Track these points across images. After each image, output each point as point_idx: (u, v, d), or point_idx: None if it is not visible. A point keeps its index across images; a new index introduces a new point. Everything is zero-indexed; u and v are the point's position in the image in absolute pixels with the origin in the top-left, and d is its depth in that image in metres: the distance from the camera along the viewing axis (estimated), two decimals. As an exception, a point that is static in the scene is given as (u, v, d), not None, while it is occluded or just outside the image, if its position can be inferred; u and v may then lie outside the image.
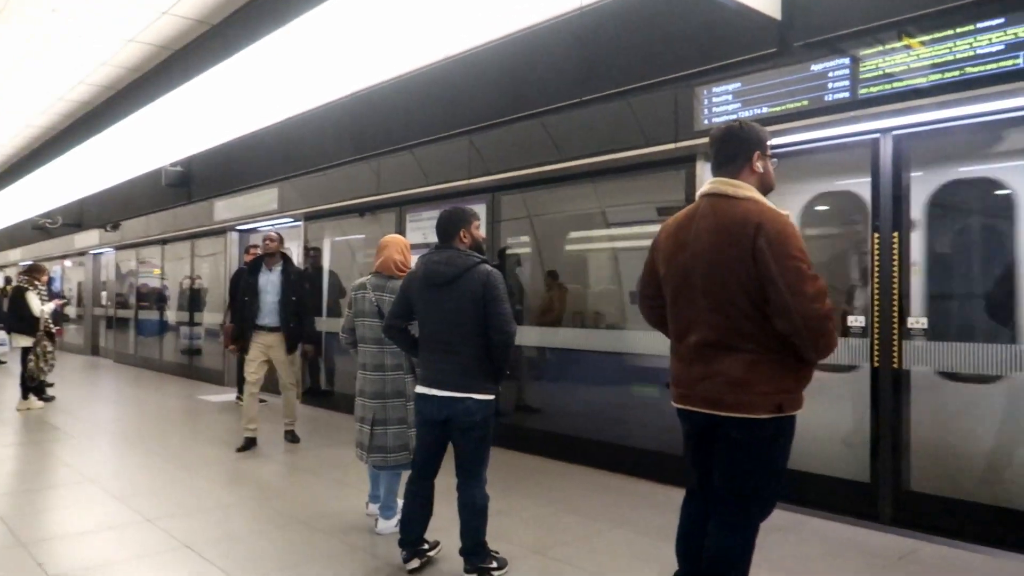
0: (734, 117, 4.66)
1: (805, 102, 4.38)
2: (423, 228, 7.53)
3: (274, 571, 3.76)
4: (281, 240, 6.75)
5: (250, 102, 9.96)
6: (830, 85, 4.28)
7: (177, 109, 11.14)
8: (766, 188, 2.62)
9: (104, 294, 16.58)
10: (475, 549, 3.54)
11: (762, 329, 2.45)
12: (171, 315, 13.19)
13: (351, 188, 8.31)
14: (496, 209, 6.78)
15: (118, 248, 15.35)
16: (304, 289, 6.79)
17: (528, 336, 6.37)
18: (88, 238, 16.35)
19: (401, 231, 7.78)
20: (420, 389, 3.59)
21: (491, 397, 3.52)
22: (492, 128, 6.52)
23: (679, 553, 2.84)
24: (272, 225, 10.16)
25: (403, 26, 7.42)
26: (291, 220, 9.71)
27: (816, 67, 4.33)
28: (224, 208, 10.79)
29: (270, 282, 6.52)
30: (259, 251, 8.47)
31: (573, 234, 6.60)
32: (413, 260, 4.19)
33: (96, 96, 13.80)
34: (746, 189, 2.56)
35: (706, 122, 4.83)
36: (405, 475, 3.83)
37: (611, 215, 6.04)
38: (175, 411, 9.03)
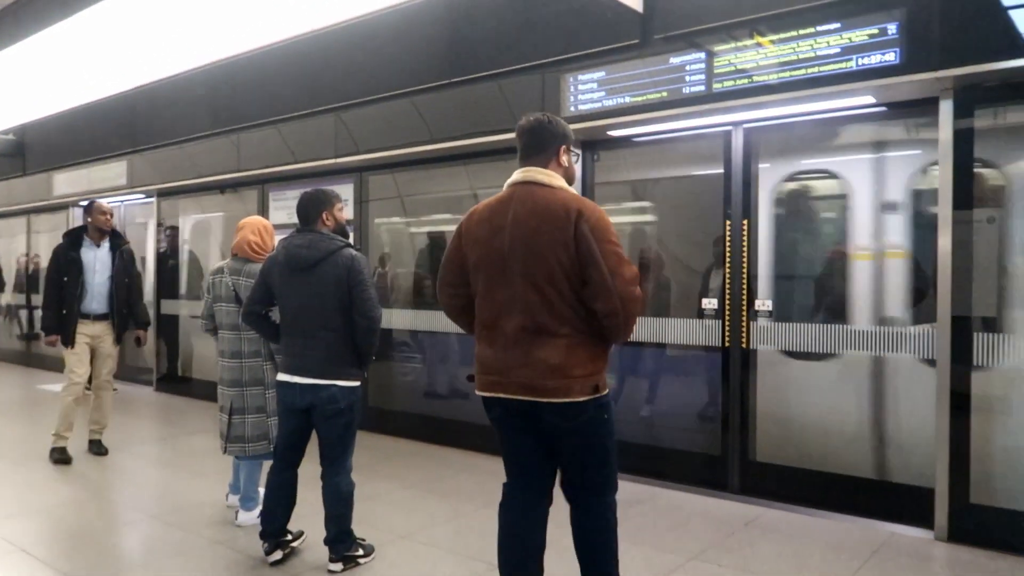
0: (598, 105, 4.82)
1: (664, 93, 4.55)
2: (288, 207, 7.26)
3: (124, 570, 3.56)
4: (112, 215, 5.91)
5: (96, 66, 9.22)
6: (687, 78, 4.46)
7: (7, 71, 10.16)
8: (569, 180, 2.74)
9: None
10: (341, 537, 3.48)
11: (577, 313, 2.55)
12: (5, 297, 12.09)
13: (210, 164, 7.89)
14: (363, 189, 6.65)
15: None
16: (136, 269, 6.02)
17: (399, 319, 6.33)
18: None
19: (264, 210, 7.48)
20: (282, 377, 3.48)
21: (356, 383, 3.46)
22: (360, 106, 6.36)
23: (515, 558, 2.77)
24: (122, 201, 9.50)
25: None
26: (143, 196, 9.11)
27: (675, 60, 4.51)
28: (65, 182, 9.96)
29: (98, 260, 5.60)
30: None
31: (439, 216, 6.58)
32: (277, 241, 4.06)
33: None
34: (558, 179, 2.67)
35: (572, 108, 4.92)
36: (267, 465, 3.72)
37: (476, 198, 6.07)
38: (11, 402, 8.31)
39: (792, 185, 4.67)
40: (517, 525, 2.80)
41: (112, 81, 8.92)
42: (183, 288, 8.77)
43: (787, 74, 4.14)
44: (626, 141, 5.09)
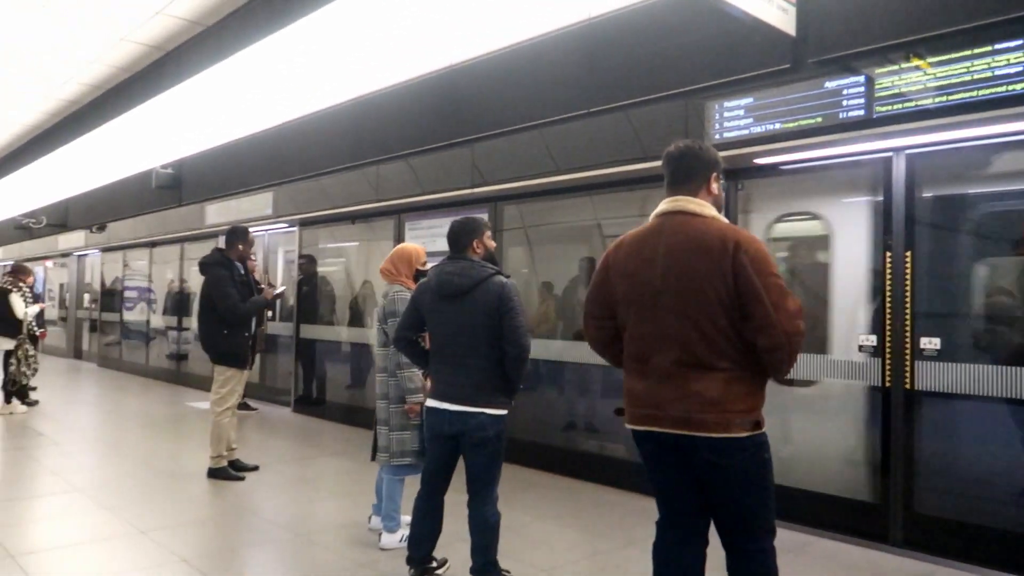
0: (745, 132, 4.67)
1: (819, 119, 4.35)
2: (421, 237, 7.45)
3: (277, 588, 3.66)
4: None
5: (245, 105, 9.86)
6: (845, 103, 4.25)
7: (169, 110, 11.02)
8: (718, 208, 2.65)
9: (88, 296, 16.33)
10: (487, 568, 3.45)
11: (735, 347, 2.45)
12: (158, 319, 13.00)
13: (349, 194, 8.21)
14: (498, 219, 6.72)
15: (104, 250, 15.13)
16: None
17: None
18: (73, 239, 16.11)
19: (400, 239, 7.69)
20: (431, 402, 3.51)
21: (504, 412, 3.45)
22: (494, 138, 6.45)
23: None
24: (266, 230, 10.03)
25: (404, 32, 7.38)
26: (286, 225, 9.59)
27: (830, 84, 4.31)
28: (216, 212, 10.64)
29: (249, 283, 5.90)
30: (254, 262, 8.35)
31: (581, 246, 6.55)
32: (417, 265, 4.19)
33: (85, 95, 13.64)
34: (710, 208, 2.59)
35: (716, 136, 4.79)
36: (409, 487, 3.75)
37: (615, 226, 6.00)
38: (163, 418, 8.87)
39: (962, 214, 4.34)
40: (672, 566, 2.69)
41: (260, 117, 9.51)
42: (321, 313, 9.12)
43: (958, 96, 3.86)
44: (773, 169, 4.91)
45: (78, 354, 16.69)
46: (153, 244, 13.05)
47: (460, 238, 3.56)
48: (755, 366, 2.49)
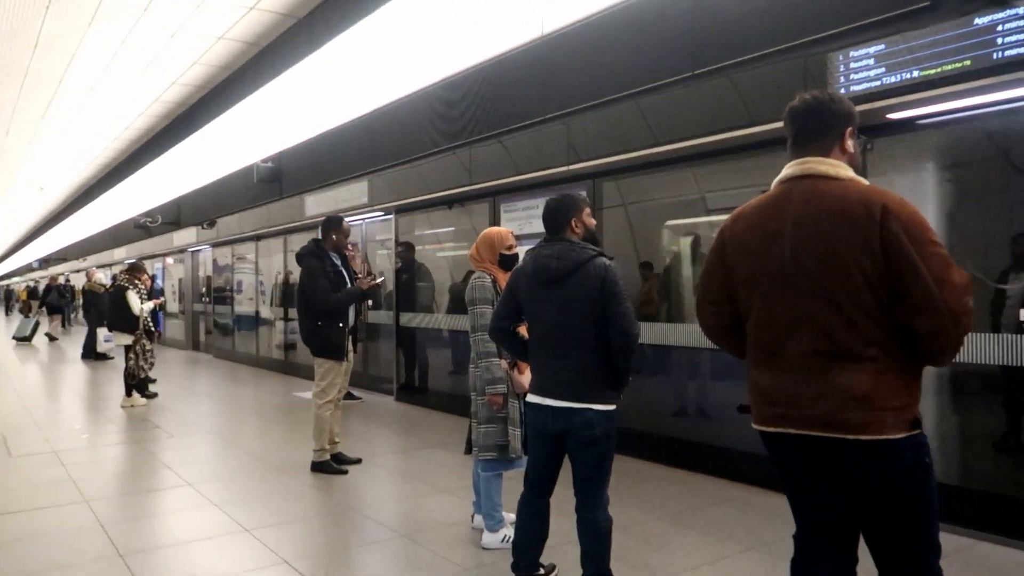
0: (877, 84, 4.13)
1: (968, 62, 3.76)
2: (518, 219, 7.18)
3: (378, 594, 3.49)
4: None
5: (338, 94, 9.86)
6: (1000, 40, 3.65)
7: (267, 105, 11.19)
8: (855, 169, 2.21)
9: (204, 290, 17.02)
10: (598, 577, 3.15)
11: (885, 331, 2.04)
12: (266, 311, 13.35)
13: (442, 179, 8.04)
14: (597, 197, 6.36)
15: (214, 245, 15.68)
16: None
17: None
18: (186, 236, 16.79)
19: (495, 222, 7.45)
20: (532, 398, 3.23)
21: (613, 407, 3.12)
22: (590, 111, 6.08)
23: None
24: (364, 219, 10.03)
25: (490, 4, 7.09)
26: (382, 214, 9.54)
27: (981, 20, 3.71)
28: (315, 203, 10.73)
29: (346, 273, 5.72)
30: (352, 252, 8.32)
31: (692, 220, 6.11)
32: (502, 249, 3.97)
33: (189, 96, 14.09)
34: (846, 169, 2.17)
35: (842, 91, 4.26)
36: (508, 482, 3.50)
37: (721, 199, 5.53)
38: (272, 409, 9.02)
39: None
40: None
41: (354, 105, 9.48)
42: (420, 301, 9.03)
43: None
44: (908, 124, 4.33)
45: (196, 346, 17.46)
46: (258, 237, 13.36)
47: (557, 217, 3.25)
48: (909, 353, 2.08)
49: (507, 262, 3.99)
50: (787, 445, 2.25)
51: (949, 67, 3.84)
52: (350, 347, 5.73)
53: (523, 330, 3.38)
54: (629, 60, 5.72)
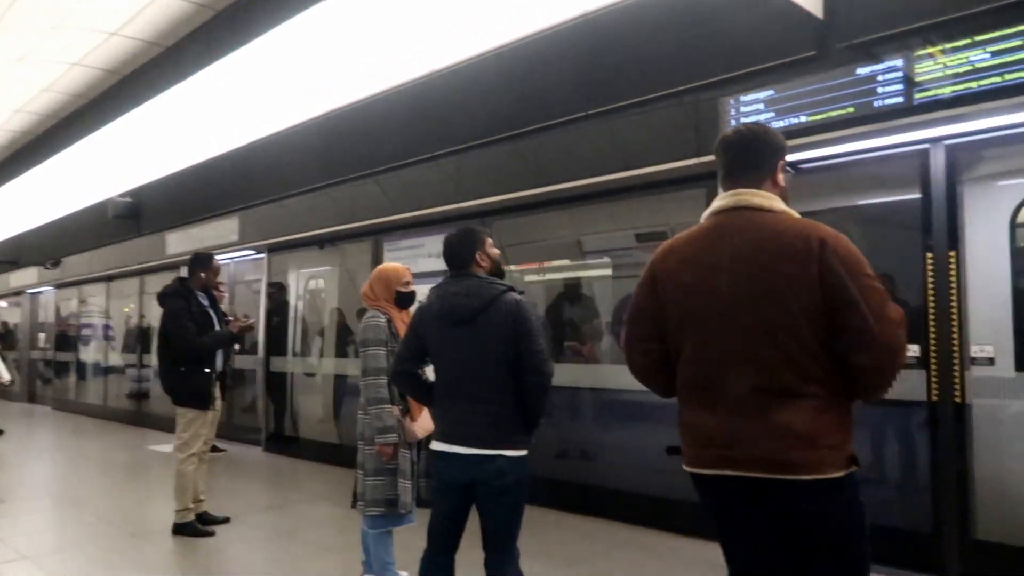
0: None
1: (851, 109, 3.94)
2: (402, 258, 6.92)
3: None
4: None
5: (206, 127, 9.31)
6: (880, 90, 3.86)
7: (126, 136, 10.42)
8: (784, 201, 2.19)
9: (43, 336, 15.46)
10: (509, 639, 2.90)
11: (824, 368, 1.99)
12: (116, 357, 12.24)
13: (321, 216, 7.67)
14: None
15: (59, 287, 14.32)
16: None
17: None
18: (25, 276, 15.27)
19: (378, 262, 7.16)
20: (437, 446, 2.98)
21: (524, 452, 2.92)
22: (483, 147, 5.98)
23: None
24: (231, 258, 9.43)
25: (380, 39, 6.91)
26: (253, 252, 8.99)
27: (863, 71, 3.91)
28: (177, 241, 10.00)
29: (215, 314, 5.29)
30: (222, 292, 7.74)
31: (577, 261, 6.09)
32: (398, 287, 3.70)
33: (36, 124, 12.95)
34: (778, 202, 2.14)
35: (732, 134, 4.37)
36: (400, 535, 3.23)
37: (618, 239, 5.55)
38: (124, 465, 8.14)
39: (1011, 207, 3.95)
40: None
41: (224, 139, 8.97)
42: (293, 344, 8.52)
43: (1013, 75, 3.47)
44: (794, 168, 4.48)
45: (32, 397, 15.76)
46: (111, 278, 12.30)
47: (461, 252, 3.05)
48: (844, 389, 2.03)
49: (404, 300, 3.74)
50: (723, 488, 2.13)
51: (834, 113, 4.01)
52: (217, 394, 5.23)
53: (428, 372, 3.14)
54: (518, 101, 5.68)
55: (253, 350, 9.02)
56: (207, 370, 5.02)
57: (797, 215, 2.15)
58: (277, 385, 8.58)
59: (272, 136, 8.19)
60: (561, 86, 5.36)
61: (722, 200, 2.19)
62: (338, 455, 7.28)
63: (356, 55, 7.09)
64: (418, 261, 6.65)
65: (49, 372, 14.93)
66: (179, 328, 4.92)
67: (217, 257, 8.16)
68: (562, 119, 5.32)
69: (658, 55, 4.81)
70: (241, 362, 9.19)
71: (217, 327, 5.19)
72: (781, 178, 2.21)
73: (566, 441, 5.76)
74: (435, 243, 6.09)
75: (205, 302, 5.20)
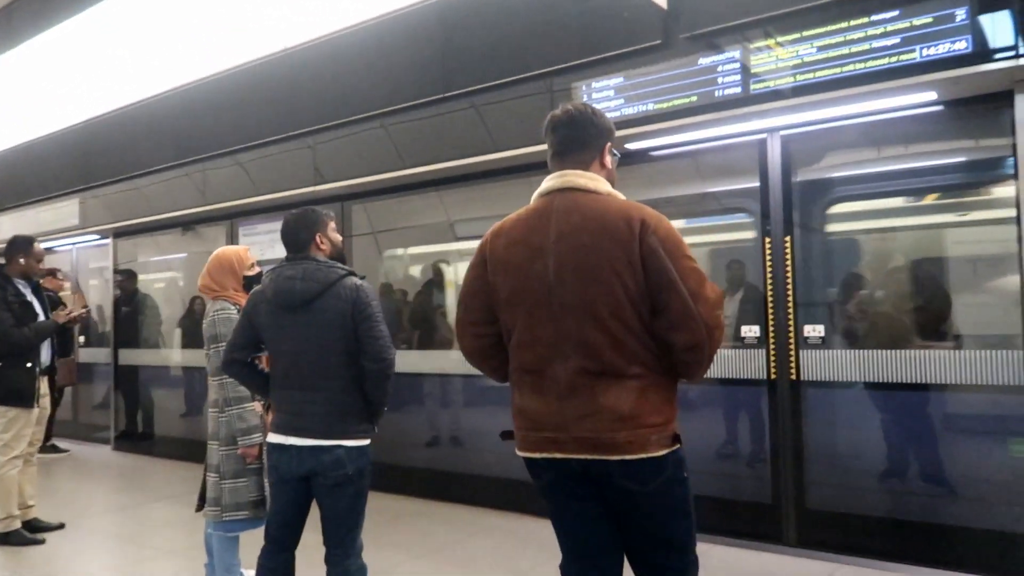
0: (617, 114, 4.33)
1: (694, 98, 4.06)
2: (259, 243, 6.62)
3: None
4: None
5: (40, 100, 8.59)
6: (720, 80, 3.99)
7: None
8: (612, 184, 2.22)
9: None
10: (352, 635, 2.82)
11: (647, 348, 2.04)
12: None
13: (171, 200, 7.20)
14: (346, 221, 6.05)
15: None
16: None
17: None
18: None
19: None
20: (273, 438, 2.84)
21: (366, 442, 2.84)
22: (336, 129, 5.78)
23: None
24: (74, 244, 8.74)
25: (234, 12, 6.59)
26: (97, 237, 8.36)
27: (704, 60, 4.03)
28: (11, 223, 9.14)
29: (37, 303, 4.84)
30: (60, 280, 7.17)
31: (429, 248, 6.01)
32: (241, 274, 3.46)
33: None
34: (604, 183, 2.16)
35: (586, 120, 4.41)
36: (246, 539, 3.07)
37: (480, 226, 5.51)
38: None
39: (841, 196, 4.20)
40: None
41: (63, 113, 8.31)
42: (143, 336, 8.00)
43: (838, 70, 3.67)
44: (644, 155, 4.59)
45: None
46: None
47: (299, 233, 2.91)
48: (668, 369, 2.07)
49: (252, 284, 3.52)
50: (553, 471, 2.14)
51: (679, 101, 4.12)
52: (45, 391, 4.81)
53: (263, 361, 2.99)
54: (377, 81, 5.52)
55: (102, 342, 8.42)
56: (28, 364, 4.60)
57: (623, 197, 2.16)
58: (127, 379, 8.04)
59: (117, 112, 7.63)
60: (421, 67, 5.24)
61: (549, 181, 2.18)
62: (192, 451, 6.91)
63: (210, 28, 6.72)
64: (275, 247, 6.37)
65: None
66: None
67: (57, 243, 7.59)
68: (422, 100, 5.20)
69: (515, 37, 4.78)
70: (89, 355, 8.56)
71: (42, 318, 4.76)
72: (608, 160, 2.23)
73: (432, 429, 5.71)
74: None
75: (26, 291, 4.76)
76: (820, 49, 3.70)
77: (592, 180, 2.14)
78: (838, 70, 3.67)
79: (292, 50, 6.02)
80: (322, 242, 2.94)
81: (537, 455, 2.14)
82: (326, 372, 2.76)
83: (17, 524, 4.65)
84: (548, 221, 2.11)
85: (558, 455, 2.09)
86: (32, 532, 4.70)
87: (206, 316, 3.37)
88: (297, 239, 2.90)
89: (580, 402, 2.04)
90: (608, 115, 4.18)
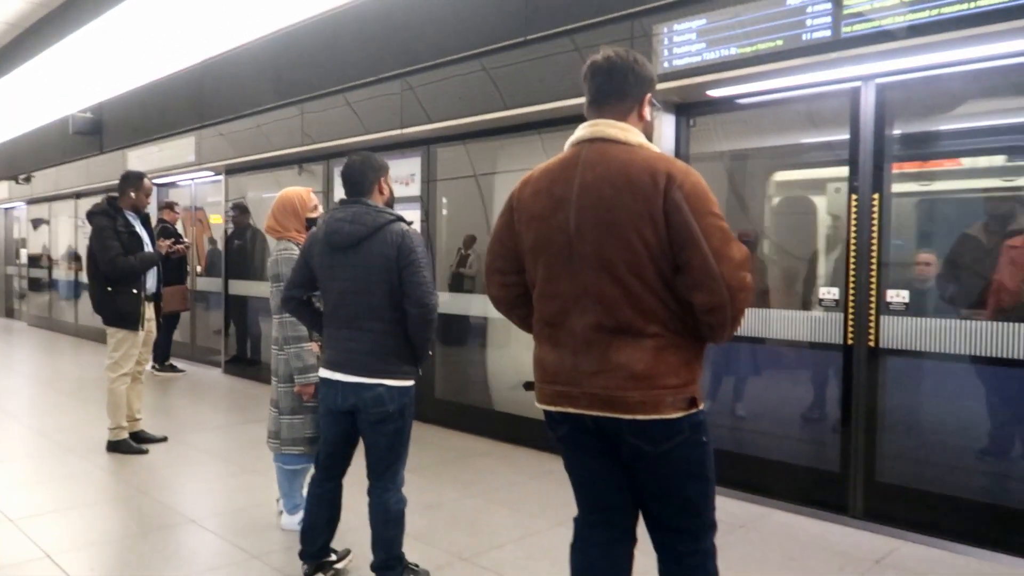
0: (698, 59, 4.12)
1: (780, 42, 3.81)
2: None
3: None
4: None
5: (165, 41, 9.06)
6: (809, 22, 3.71)
7: (86, 49, 10.14)
8: (647, 137, 2.10)
9: (23, 252, 15.37)
10: (390, 563, 2.96)
11: (667, 306, 1.96)
12: (86, 276, 12.20)
13: (276, 138, 7.52)
14: (431, 164, 6.12)
15: (30, 202, 14.18)
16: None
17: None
18: (-3, 190, 15.12)
19: (329, 188, 7.06)
20: (323, 373, 2.98)
21: (409, 383, 2.93)
22: (428, 71, 5.82)
23: None
24: (191, 179, 9.30)
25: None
26: (211, 174, 8.86)
27: (792, 1, 3.76)
28: (138, 160, 9.83)
29: (145, 235, 5.21)
30: (177, 213, 7.72)
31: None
32: (308, 213, 3.61)
33: (2, 34, 12.59)
34: (637, 134, 2.06)
35: (666, 64, 4.23)
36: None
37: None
38: (83, 383, 8.18)
39: (941, 151, 3.86)
40: (595, 571, 2.21)
41: (183, 54, 8.73)
42: (254, 268, 8.49)
43: (940, 11, 3.33)
44: (727, 103, 4.37)
45: (9, 313, 15.82)
46: (78, 195, 12.16)
47: (366, 174, 2.97)
48: (691, 330, 2.00)
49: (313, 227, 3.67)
50: (568, 425, 2.14)
51: (763, 46, 3.87)
52: (151, 315, 5.21)
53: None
54: (462, 26, 5.49)
55: (215, 272, 9.00)
56: (135, 291, 4.99)
57: (655, 148, 2.08)
58: (237, 308, 8.58)
59: (225, 54, 7.97)
60: (503, 9, 5.16)
61: (581, 130, 2.12)
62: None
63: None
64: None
65: (24, 288, 14.93)
66: (104, 247, 4.87)
67: (176, 178, 8.10)
68: (496, 45, 5.14)
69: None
70: (205, 284, 9.19)
71: (149, 248, 5.14)
72: (647, 112, 2.14)
73: (516, 373, 5.79)
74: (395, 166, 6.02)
75: (135, 223, 5.13)
76: (920, -12, 3.37)
77: (624, 131, 2.06)
78: (940, 11, 3.33)
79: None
80: (383, 187, 3.01)
81: (551, 408, 2.14)
82: (370, 313, 2.85)
83: (125, 434, 5.13)
84: (574, 171, 2.07)
85: (571, 410, 2.08)
86: (138, 443, 5.17)
87: (269, 255, 3.53)
88: (364, 179, 2.97)
89: (593, 358, 2.02)
90: (689, 60, 4.04)
